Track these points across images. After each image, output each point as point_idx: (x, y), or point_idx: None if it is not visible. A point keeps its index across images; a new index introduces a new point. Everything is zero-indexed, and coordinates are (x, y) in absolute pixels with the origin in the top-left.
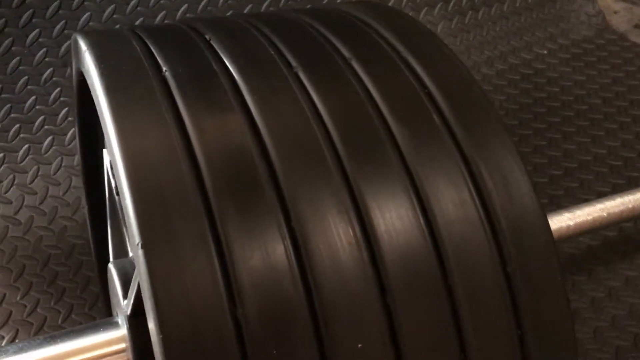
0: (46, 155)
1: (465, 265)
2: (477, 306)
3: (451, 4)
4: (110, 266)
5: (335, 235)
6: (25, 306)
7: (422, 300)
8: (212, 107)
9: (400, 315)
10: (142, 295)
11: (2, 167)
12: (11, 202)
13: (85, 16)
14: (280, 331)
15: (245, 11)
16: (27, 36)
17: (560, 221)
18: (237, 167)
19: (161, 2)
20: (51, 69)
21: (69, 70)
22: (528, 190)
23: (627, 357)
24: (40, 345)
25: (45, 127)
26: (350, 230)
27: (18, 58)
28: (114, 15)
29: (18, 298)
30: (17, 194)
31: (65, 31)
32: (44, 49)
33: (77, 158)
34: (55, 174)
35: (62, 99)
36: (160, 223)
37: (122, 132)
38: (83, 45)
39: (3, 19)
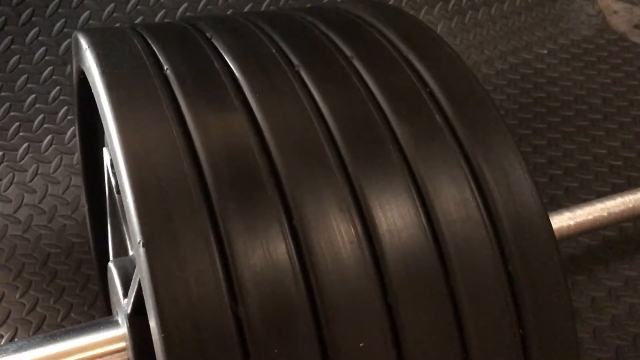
0: (46, 153)
1: (466, 264)
2: (479, 305)
3: (451, 3)
4: (110, 265)
5: (337, 234)
6: (25, 305)
7: (424, 299)
8: (214, 105)
9: (402, 314)
10: (143, 293)
11: (2, 165)
12: (10, 201)
13: (85, 15)
14: (281, 329)
15: (245, 10)
16: (26, 34)
17: (560, 220)
18: (239, 165)
19: (161, 0)
20: (51, 67)
21: (68, 68)
22: (530, 189)
23: (626, 357)
24: (40, 344)
25: (45, 125)
26: (352, 229)
27: (17, 56)
28: (114, 14)
29: (17, 296)
30: (16, 192)
31: (65, 30)
32: (44, 48)
33: (76, 157)
34: (54, 172)
35: (61, 97)
36: (162, 221)
37: (124, 130)
38: (84, 43)
39: (3, 17)
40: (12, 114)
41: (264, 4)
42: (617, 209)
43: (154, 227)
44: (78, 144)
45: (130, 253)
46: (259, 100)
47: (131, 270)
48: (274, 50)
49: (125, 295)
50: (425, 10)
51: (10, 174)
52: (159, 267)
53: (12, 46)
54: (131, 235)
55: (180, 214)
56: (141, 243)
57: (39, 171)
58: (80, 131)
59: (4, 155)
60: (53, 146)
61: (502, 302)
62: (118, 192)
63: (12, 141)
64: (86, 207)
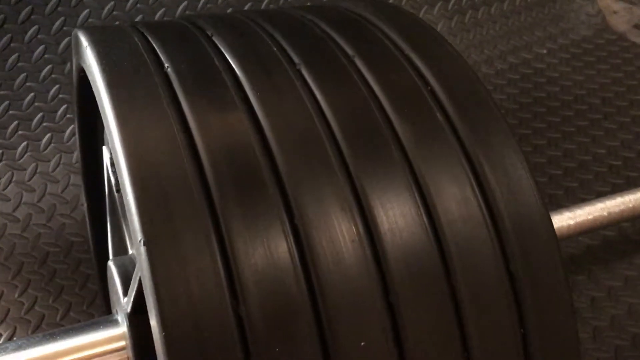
0: (45, 152)
1: (468, 264)
2: (480, 304)
3: (451, 2)
4: (110, 264)
5: (338, 233)
6: (23, 304)
7: (425, 298)
8: (215, 103)
9: (403, 313)
10: (144, 292)
11: (1, 164)
12: (9, 200)
13: (84, 13)
14: (282, 328)
15: (245, 8)
16: (25, 32)
17: (560, 220)
18: (240, 164)
19: None
20: (50, 65)
21: (68, 67)
22: (531, 188)
23: (626, 357)
24: (39, 342)
25: (44, 124)
26: (353, 228)
27: (17, 54)
28: (114, 12)
29: (16, 295)
30: (15, 191)
31: (65, 28)
32: (43, 46)
33: (75, 155)
34: (53, 171)
35: (60, 96)
36: (163, 220)
37: (124, 128)
38: (84, 41)
39: (2, 15)
40: (11, 112)
41: (264, 3)
42: (617, 209)
43: (155, 225)
44: (77, 142)
45: (130, 252)
46: (260, 99)
47: (131, 269)
48: (275, 49)
49: (125, 294)
50: (425, 10)
51: (9, 173)
52: (160, 265)
53: (11, 44)
54: (132, 234)
55: (181, 212)
56: (142, 242)
57: (38, 170)
58: (79, 129)
59: (2, 153)
60: (52, 145)
61: (503, 301)
62: (118, 190)
63: (11, 140)
64: (85, 205)
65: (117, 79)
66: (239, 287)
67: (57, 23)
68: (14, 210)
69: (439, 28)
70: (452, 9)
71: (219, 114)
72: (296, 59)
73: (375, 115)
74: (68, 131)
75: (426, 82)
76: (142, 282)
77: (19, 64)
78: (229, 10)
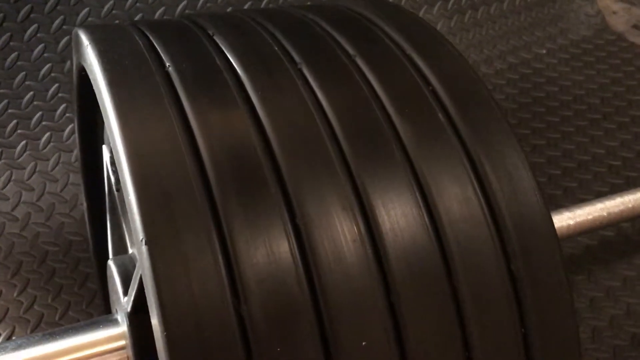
0: (44, 151)
1: (469, 263)
2: (482, 304)
3: (450, 2)
4: (110, 263)
5: (340, 232)
6: (22, 303)
7: (427, 298)
8: (216, 103)
9: (405, 313)
10: (146, 291)
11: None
12: (8, 199)
13: (84, 12)
14: (284, 328)
15: (244, 7)
16: (25, 31)
17: (560, 220)
18: (241, 163)
19: None
20: (49, 64)
21: (67, 65)
22: (532, 188)
23: (625, 357)
24: (39, 342)
25: (43, 123)
26: (355, 228)
27: (16, 53)
28: (113, 11)
29: (15, 295)
30: (14, 190)
31: (64, 27)
32: (42, 45)
33: (75, 154)
34: (52, 170)
35: (60, 94)
36: (164, 219)
37: (126, 127)
38: (85, 39)
39: (1, 14)
40: (10, 111)
41: (264, 2)
42: (616, 209)
43: (156, 224)
44: (77, 141)
45: (130, 251)
46: (261, 98)
47: (131, 268)
48: (276, 48)
49: (125, 293)
50: (424, 10)
51: (8, 172)
52: (161, 265)
53: (11, 43)
54: (133, 233)
55: (183, 211)
56: (143, 241)
57: (37, 169)
58: (79, 128)
59: (1, 152)
60: (51, 144)
61: (505, 301)
62: (117, 189)
63: (10, 138)
64: (85, 204)
65: (118, 78)
66: (240, 287)
67: (57, 22)
68: (12, 209)
69: (438, 28)
70: (451, 9)
71: (220, 113)
72: (297, 58)
73: (376, 115)
74: (67, 130)
75: (427, 82)
76: (144, 281)
77: (18, 63)
78: (229, 9)
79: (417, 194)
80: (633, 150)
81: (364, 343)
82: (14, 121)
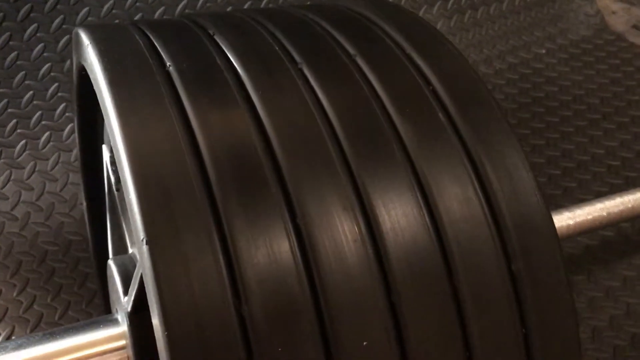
0: (43, 151)
1: (470, 263)
2: (482, 304)
3: (450, 2)
4: (110, 263)
5: (341, 232)
6: (22, 303)
7: (427, 298)
8: (217, 102)
9: (405, 313)
10: (146, 291)
11: None
12: (8, 198)
13: (83, 11)
14: (285, 328)
15: (244, 7)
16: (25, 30)
17: (560, 220)
18: (242, 163)
19: None
20: (49, 64)
21: (67, 65)
22: (533, 188)
23: (625, 357)
24: (39, 341)
25: (43, 122)
26: (356, 227)
27: (16, 52)
28: (113, 11)
29: (14, 294)
30: (13, 189)
31: (64, 26)
32: (42, 44)
33: (74, 154)
34: (52, 169)
35: (59, 94)
36: (165, 219)
37: (126, 127)
38: (85, 39)
39: (1, 13)
40: (9, 110)
41: (264, 1)
42: (616, 209)
43: (157, 224)
44: (77, 140)
45: (130, 251)
46: (262, 98)
47: (131, 268)
48: (276, 48)
49: (126, 293)
50: (424, 9)
51: (8, 171)
52: (162, 264)
53: (10, 42)
54: (133, 233)
55: (183, 211)
56: (144, 240)
57: (37, 168)
58: (79, 128)
59: (1, 152)
60: (51, 143)
61: (505, 301)
62: (117, 189)
63: (10, 138)
64: (85, 204)
65: (119, 77)
66: (241, 286)
67: (57, 21)
68: (12, 209)
69: (438, 27)
70: (451, 9)
71: (220, 113)
72: (298, 58)
73: (377, 115)
74: (67, 129)
75: (428, 82)
76: (144, 281)
77: (18, 62)
78: (228, 9)
79: (418, 193)
80: (632, 150)
81: (364, 343)
82: (14, 120)
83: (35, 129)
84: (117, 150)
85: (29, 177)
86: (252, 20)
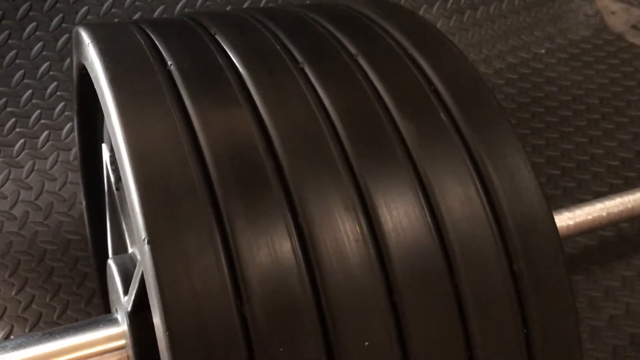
0: (42, 150)
1: (472, 263)
2: (484, 304)
3: (450, 2)
4: (110, 262)
5: (342, 232)
6: (20, 302)
7: (429, 298)
8: (218, 101)
9: (407, 313)
10: (148, 291)
11: None
12: (6, 197)
13: (83, 10)
14: (286, 328)
15: (244, 6)
16: (24, 29)
17: (560, 220)
18: (244, 162)
19: None
20: (48, 62)
21: (66, 64)
22: (534, 188)
23: (624, 357)
24: (39, 341)
25: (42, 121)
26: (357, 227)
27: (15, 51)
28: (112, 9)
29: (13, 294)
30: (12, 188)
31: (63, 25)
32: (41, 43)
33: (73, 153)
34: (51, 169)
35: (59, 93)
36: (167, 218)
37: (128, 126)
38: (86, 38)
39: (0, 12)
40: (8, 109)
41: (263, 0)
42: (616, 209)
43: (158, 224)
44: (77, 140)
45: (130, 250)
46: (263, 97)
47: (131, 267)
48: (278, 47)
49: (126, 292)
50: (424, 9)
51: (6, 170)
52: (163, 264)
53: (10, 41)
54: (135, 232)
55: (185, 211)
56: (146, 240)
57: (35, 167)
58: (79, 127)
59: (0, 151)
60: (50, 142)
61: (507, 301)
62: (117, 188)
63: (9, 137)
64: (84, 203)
65: (120, 76)
66: (242, 286)
67: (56, 20)
68: (11, 208)
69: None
70: (450, 8)
71: (222, 112)
72: (299, 58)
73: (378, 115)
74: (66, 128)
75: (429, 81)
76: (146, 280)
77: (17, 61)
78: (228, 8)
79: (420, 193)
80: (632, 150)
81: (366, 343)
82: (13, 119)
83: (34, 128)
84: (119, 150)
85: (27, 176)
86: (253, 20)
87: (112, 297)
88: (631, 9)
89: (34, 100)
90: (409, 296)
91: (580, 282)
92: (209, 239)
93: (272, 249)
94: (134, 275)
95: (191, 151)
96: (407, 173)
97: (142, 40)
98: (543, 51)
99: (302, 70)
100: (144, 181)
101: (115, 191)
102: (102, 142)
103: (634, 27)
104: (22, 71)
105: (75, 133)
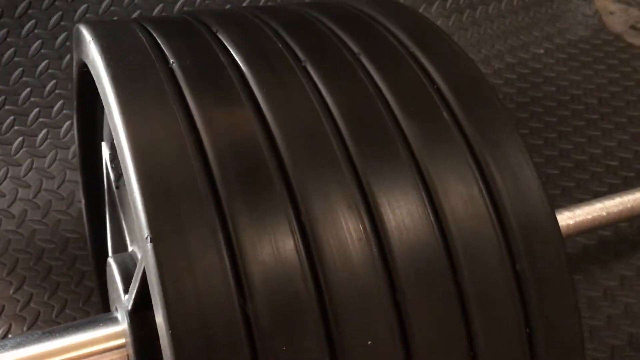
0: (41, 148)
1: (474, 262)
2: (487, 303)
3: (449, 1)
4: (110, 261)
5: (346, 231)
6: (19, 300)
7: (432, 297)
8: (221, 100)
9: (410, 312)
10: (150, 289)
11: None
12: (4, 195)
13: (82, 8)
14: (289, 326)
15: (244, 4)
16: (22, 27)
17: (560, 220)
18: (247, 161)
19: None
20: (47, 60)
21: (65, 62)
22: (537, 188)
23: (622, 357)
24: (38, 340)
25: (40, 119)
26: (360, 226)
27: (13, 49)
28: (111, 8)
29: (11, 292)
30: (10, 186)
31: (62, 23)
32: (40, 41)
33: (72, 151)
34: (49, 167)
35: (57, 91)
36: (170, 217)
37: (130, 124)
38: (87, 35)
39: None
40: (7, 107)
41: None
42: (615, 209)
43: (161, 222)
44: (76, 138)
45: (130, 248)
46: (266, 95)
47: (131, 266)
48: (280, 45)
49: (126, 291)
50: (423, 8)
51: (5, 168)
52: (166, 262)
53: (8, 39)
54: (137, 231)
55: (188, 209)
56: (149, 238)
57: (34, 165)
58: (78, 125)
59: None
60: (48, 140)
61: (510, 300)
62: (117, 186)
63: (7, 135)
64: (83, 202)
65: (122, 74)
66: (246, 285)
67: (55, 18)
68: (9, 206)
69: None
70: (450, 8)
71: (225, 111)
72: (302, 56)
73: (381, 113)
74: (64, 127)
75: (432, 80)
76: (148, 279)
77: (16, 59)
78: (227, 6)
79: (423, 192)
80: (630, 150)
81: (369, 342)
82: (11, 117)
83: (33, 126)
84: (121, 148)
85: (26, 175)
86: (255, 18)
87: (111, 295)
88: (630, 10)
89: (32, 98)
90: (412, 295)
91: (579, 281)
92: (212, 237)
93: (274, 248)
94: (135, 273)
95: (194, 149)
96: (409, 172)
97: (143, 38)
98: (542, 51)
99: (305, 68)
100: (147, 179)
101: (114, 189)
102: (102, 140)
103: (632, 27)
104: (20, 69)
105: (75, 131)
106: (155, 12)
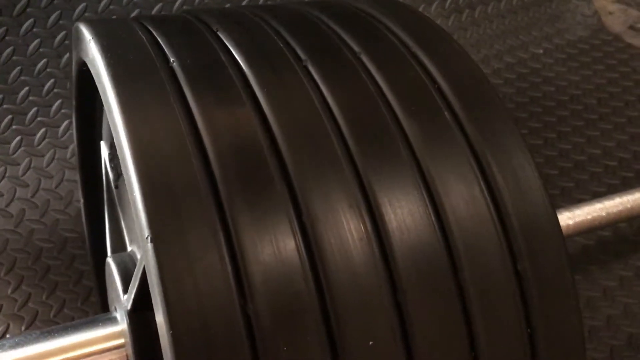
0: (39, 147)
1: (476, 262)
2: (488, 304)
3: (448, 1)
4: (109, 260)
5: (347, 231)
6: (17, 300)
7: (433, 297)
8: (221, 99)
9: (411, 312)
10: (150, 289)
11: None
12: (3, 195)
13: (80, 7)
14: (290, 326)
15: (243, 3)
16: (21, 26)
17: (560, 220)
18: (247, 160)
19: None
20: (45, 59)
21: (63, 61)
22: (538, 188)
23: (622, 357)
24: (36, 340)
25: (39, 118)
26: (362, 226)
27: (11, 48)
28: (110, 6)
29: (9, 292)
30: (8, 186)
31: (61, 21)
32: (38, 40)
33: (70, 151)
34: (48, 166)
35: (56, 90)
36: (170, 216)
37: (130, 123)
38: (87, 34)
39: None
40: (5, 106)
41: None
42: (615, 209)
43: (161, 222)
44: (75, 137)
45: (129, 248)
46: (267, 95)
47: (131, 265)
48: (281, 45)
49: (125, 291)
50: (422, 8)
51: (3, 168)
52: (167, 262)
53: (7, 37)
54: (137, 231)
55: (189, 209)
56: (149, 238)
57: (32, 165)
58: (77, 125)
59: None
60: (46, 139)
61: (511, 300)
62: (116, 186)
63: (5, 134)
64: (82, 201)
65: (122, 73)
66: (246, 285)
67: (53, 16)
68: (7, 206)
69: None
70: (449, 8)
71: (225, 110)
72: (302, 55)
73: (382, 113)
74: (63, 126)
75: (433, 80)
76: (148, 278)
77: (14, 58)
78: (227, 5)
79: (424, 192)
80: (629, 150)
81: (370, 342)
82: (9, 116)
83: (31, 125)
84: (121, 147)
85: (24, 174)
86: (255, 17)
87: (110, 295)
88: (629, 10)
89: (31, 98)
90: (413, 295)
91: (578, 282)
92: (213, 236)
93: (275, 247)
94: (134, 273)
95: (194, 149)
96: (411, 171)
97: (144, 37)
98: (541, 51)
99: (306, 67)
100: (147, 179)
101: (113, 188)
102: (101, 139)
103: (631, 27)
104: (19, 68)
105: (73, 130)
106: (154, 11)
